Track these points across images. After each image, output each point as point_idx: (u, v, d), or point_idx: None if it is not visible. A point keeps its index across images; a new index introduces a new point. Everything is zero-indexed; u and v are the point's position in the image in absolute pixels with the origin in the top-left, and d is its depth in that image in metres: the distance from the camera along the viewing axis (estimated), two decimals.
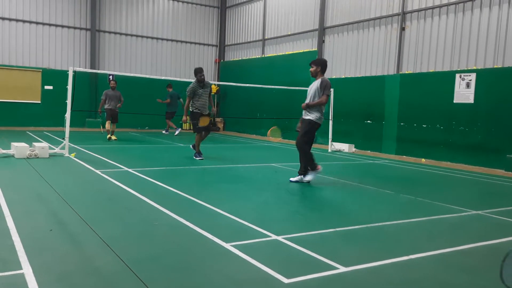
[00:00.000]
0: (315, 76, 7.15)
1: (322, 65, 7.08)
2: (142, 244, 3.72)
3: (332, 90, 13.24)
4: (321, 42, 15.89)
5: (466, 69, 11.28)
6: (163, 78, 11.87)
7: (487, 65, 10.93)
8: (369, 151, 13.37)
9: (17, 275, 2.93)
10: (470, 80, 10.99)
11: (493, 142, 10.53)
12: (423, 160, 11.67)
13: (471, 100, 10.97)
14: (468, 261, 3.69)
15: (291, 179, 7.20)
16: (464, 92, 11.12)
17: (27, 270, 3.01)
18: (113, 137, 13.28)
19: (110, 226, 4.19)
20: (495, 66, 10.76)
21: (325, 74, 7.24)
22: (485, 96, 10.72)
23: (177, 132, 16.64)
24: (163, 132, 17.24)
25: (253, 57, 19.66)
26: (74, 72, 9.21)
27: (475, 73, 10.92)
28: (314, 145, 15.26)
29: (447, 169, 9.92)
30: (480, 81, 10.81)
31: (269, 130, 8.77)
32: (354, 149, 13.31)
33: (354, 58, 14.68)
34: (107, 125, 13.21)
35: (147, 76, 12.36)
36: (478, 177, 8.91)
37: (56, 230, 3.98)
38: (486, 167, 10.47)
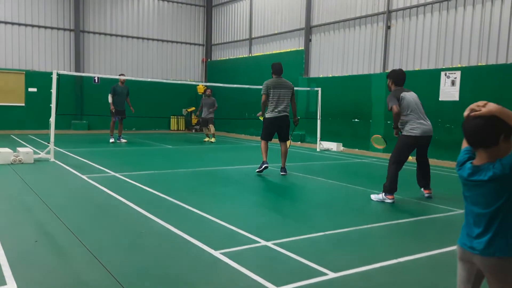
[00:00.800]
0: (391, 90, 6.27)
1: (392, 77, 6.22)
2: (131, 255, 3.68)
3: (319, 89, 13.38)
4: (307, 41, 15.91)
5: (451, 67, 11.39)
6: (149, 79, 11.72)
7: (472, 63, 11.06)
8: (357, 150, 13.45)
9: None
10: (455, 78, 11.10)
11: None
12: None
13: (456, 97, 11.09)
14: (456, 263, 3.71)
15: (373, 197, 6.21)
16: (449, 90, 11.24)
17: (12, 285, 2.96)
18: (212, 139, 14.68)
19: (97, 236, 4.14)
20: (479, 64, 10.88)
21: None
22: (470, 94, 10.84)
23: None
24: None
25: (240, 56, 19.61)
26: (58, 75, 9.08)
27: (459, 71, 11.04)
28: (303, 144, 15.29)
29: (434, 167, 9.97)
30: (465, 79, 10.93)
31: (374, 139, 7.46)
32: (342, 148, 13.37)
33: (341, 57, 14.73)
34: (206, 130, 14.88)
35: (133, 78, 12.27)
36: None
37: (42, 241, 3.91)
38: None
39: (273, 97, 7.94)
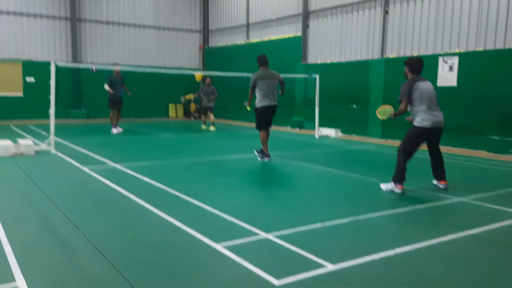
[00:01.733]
0: (407, 78, 6.14)
1: (410, 64, 6.07)
2: (133, 247, 3.76)
3: (317, 75, 13.36)
4: (305, 26, 15.83)
5: (449, 52, 11.38)
6: (147, 70, 11.71)
7: (469, 48, 11.05)
8: (355, 136, 13.51)
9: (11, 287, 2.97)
10: (453, 63, 11.10)
11: (476, 124, 10.73)
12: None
13: (454, 83, 11.11)
14: (453, 253, 3.81)
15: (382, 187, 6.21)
16: (447, 75, 11.25)
17: (20, 281, 3.04)
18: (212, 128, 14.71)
19: (100, 229, 4.22)
20: (477, 49, 10.88)
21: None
22: (467, 79, 10.86)
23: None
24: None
25: (238, 42, 19.52)
26: (56, 66, 9.07)
27: (457, 56, 11.04)
28: (301, 131, 15.36)
29: None
30: (463, 64, 10.93)
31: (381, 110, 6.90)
32: (340, 134, 13.43)
33: (339, 43, 14.69)
34: (204, 118, 15.04)
35: (130, 68, 12.21)
36: (461, 160, 9.10)
37: (46, 235, 3.99)
38: (470, 148, 10.69)
39: (261, 87, 8.31)
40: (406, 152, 6.01)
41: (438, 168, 6.34)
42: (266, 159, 8.42)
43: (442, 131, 6.17)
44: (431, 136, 6.09)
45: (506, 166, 8.50)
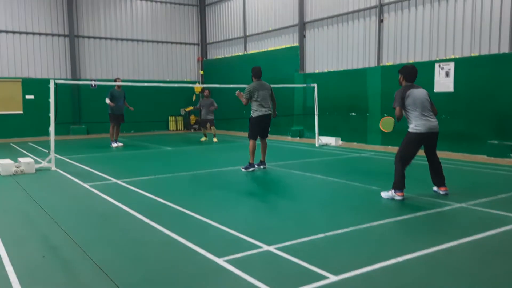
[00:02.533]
0: (401, 85, 6.31)
1: (404, 73, 6.22)
2: (136, 266, 3.77)
3: (315, 85, 13.44)
4: (302, 37, 15.96)
5: (444, 58, 11.47)
6: (145, 84, 11.78)
7: (465, 54, 11.13)
8: (355, 143, 13.55)
9: None
10: (449, 69, 11.18)
11: (474, 129, 10.77)
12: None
13: (451, 88, 11.17)
14: (453, 261, 3.82)
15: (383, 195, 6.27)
16: (444, 81, 11.31)
17: None
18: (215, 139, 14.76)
19: (102, 248, 4.23)
20: (472, 55, 10.96)
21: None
22: (464, 84, 10.92)
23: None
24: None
25: (236, 54, 19.66)
26: (56, 84, 9.13)
27: (453, 62, 11.12)
28: (301, 140, 15.39)
29: None
30: (459, 70, 11.01)
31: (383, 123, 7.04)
32: (340, 142, 13.47)
33: (335, 52, 14.80)
34: (204, 131, 14.90)
35: (129, 82, 12.28)
36: (461, 165, 9.12)
37: (49, 256, 4.00)
38: (469, 153, 10.71)
39: (257, 98, 8.49)
40: (403, 159, 6.05)
41: (437, 174, 6.36)
42: (251, 170, 8.52)
43: (438, 136, 6.21)
44: (427, 141, 6.13)
45: (506, 170, 8.52)
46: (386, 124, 6.73)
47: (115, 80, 13.23)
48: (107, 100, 12.80)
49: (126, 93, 13.42)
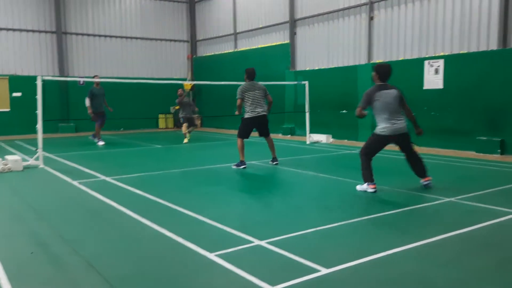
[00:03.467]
0: (374, 81, 6.43)
1: (379, 71, 6.31)
2: (126, 260, 3.74)
3: (306, 82, 13.46)
4: (292, 34, 15.96)
5: (434, 55, 11.55)
6: (135, 81, 11.68)
7: (454, 51, 11.22)
8: (346, 141, 13.59)
9: None
10: (439, 66, 11.26)
11: (464, 125, 10.87)
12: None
13: (440, 85, 11.26)
14: (443, 254, 3.84)
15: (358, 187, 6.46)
16: (433, 78, 11.40)
17: None
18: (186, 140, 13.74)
19: (92, 243, 4.18)
20: (461, 52, 11.05)
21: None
22: (453, 81, 11.02)
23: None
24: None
25: (226, 51, 19.60)
26: (43, 80, 9.01)
27: (443, 59, 11.20)
28: (293, 137, 15.40)
29: (421, 155, 10.16)
30: (448, 67, 11.10)
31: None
32: (331, 140, 13.50)
33: (326, 49, 14.82)
34: (184, 128, 13.78)
35: (116, 79, 12.18)
36: (450, 161, 9.20)
37: (37, 252, 3.95)
38: (458, 149, 10.81)
39: (247, 99, 8.49)
40: (368, 154, 6.31)
41: (416, 164, 6.46)
42: (242, 167, 8.45)
43: (408, 135, 6.32)
44: (396, 142, 6.28)
45: (494, 166, 8.61)
46: None
47: (93, 77, 13.02)
48: (87, 103, 12.67)
49: (115, 90, 13.31)
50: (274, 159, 8.89)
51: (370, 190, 6.16)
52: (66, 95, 18.18)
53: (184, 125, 13.83)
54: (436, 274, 3.40)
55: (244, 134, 8.63)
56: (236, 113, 8.96)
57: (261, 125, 8.71)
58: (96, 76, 13.31)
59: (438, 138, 11.35)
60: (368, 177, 6.21)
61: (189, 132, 14.09)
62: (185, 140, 13.66)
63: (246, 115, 8.61)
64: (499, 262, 3.65)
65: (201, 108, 20.64)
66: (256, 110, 8.52)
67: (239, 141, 8.61)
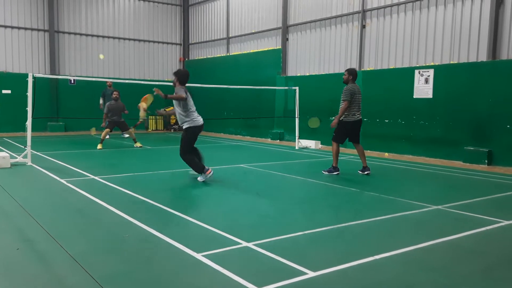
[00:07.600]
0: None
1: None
2: (112, 259, 3.71)
3: (297, 88, 13.53)
4: (285, 40, 16.05)
5: (424, 65, 11.70)
6: (127, 81, 11.63)
7: (444, 61, 11.38)
8: None
9: None
10: (429, 75, 11.41)
11: (452, 135, 11.00)
12: (386, 154, 12.05)
13: (430, 95, 11.40)
14: (430, 259, 3.88)
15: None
16: (423, 88, 11.54)
17: None
18: (138, 144, 12.77)
19: (78, 241, 4.15)
20: (451, 62, 11.21)
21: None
22: (443, 91, 11.16)
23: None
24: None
25: (218, 55, 19.62)
26: (34, 78, 8.94)
27: (433, 69, 11.35)
28: (281, 142, 15.43)
29: (409, 163, 10.29)
30: (438, 77, 11.25)
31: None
32: (320, 146, 13.56)
33: (318, 55, 14.92)
34: (104, 133, 12.45)
35: (109, 79, 12.12)
36: (438, 170, 9.30)
37: (23, 248, 3.90)
38: (446, 159, 10.93)
39: (353, 102, 8.08)
40: (188, 151, 7.31)
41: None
42: (335, 173, 8.25)
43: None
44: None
45: (481, 176, 8.72)
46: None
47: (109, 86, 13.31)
48: (101, 100, 12.95)
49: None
50: (366, 168, 8.38)
51: (209, 176, 7.20)
52: (56, 94, 18.03)
53: (106, 130, 12.59)
54: (423, 279, 3.43)
55: (341, 138, 8.29)
56: (334, 122, 8.20)
57: (357, 130, 8.33)
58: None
59: (426, 147, 11.47)
60: (200, 168, 7.21)
61: (129, 137, 12.93)
62: (99, 147, 12.13)
63: (347, 119, 8.13)
64: (485, 269, 3.70)
65: None
66: (357, 114, 8.17)
67: (334, 145, 8.27)
